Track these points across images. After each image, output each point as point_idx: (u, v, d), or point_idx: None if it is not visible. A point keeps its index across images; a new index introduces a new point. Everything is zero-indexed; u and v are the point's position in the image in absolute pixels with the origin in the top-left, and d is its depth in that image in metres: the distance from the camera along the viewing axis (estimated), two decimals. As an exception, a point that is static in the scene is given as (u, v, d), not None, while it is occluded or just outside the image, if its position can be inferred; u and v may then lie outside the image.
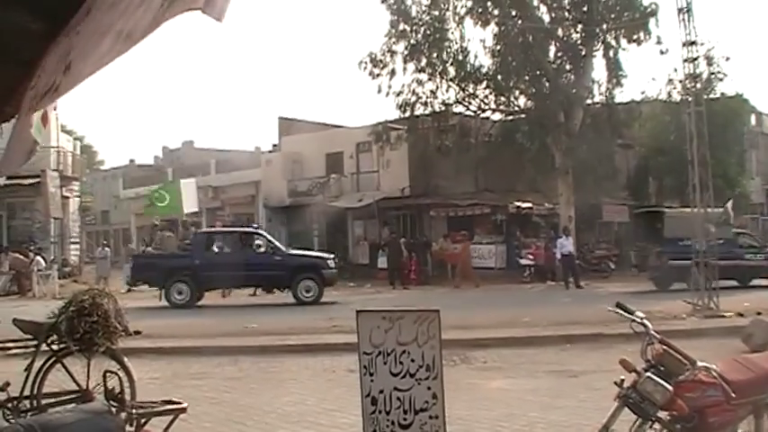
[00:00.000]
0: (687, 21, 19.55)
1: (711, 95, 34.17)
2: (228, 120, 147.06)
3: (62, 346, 8.19)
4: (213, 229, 28.18)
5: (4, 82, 5.43)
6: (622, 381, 5.24)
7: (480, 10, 34.13)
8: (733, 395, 5.03)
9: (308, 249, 40.97)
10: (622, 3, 33.38)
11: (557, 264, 31.32)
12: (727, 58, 36.86)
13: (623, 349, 13.73)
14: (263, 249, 26.03)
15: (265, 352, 14.63)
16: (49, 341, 8.23)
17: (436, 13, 35.15)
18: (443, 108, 36.15)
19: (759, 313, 16.08)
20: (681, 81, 37.67)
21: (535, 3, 34.34)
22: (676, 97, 38.59)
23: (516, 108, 36.17)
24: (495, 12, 34.07)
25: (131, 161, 73.08)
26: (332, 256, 26.82)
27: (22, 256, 32.86)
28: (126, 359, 8.52)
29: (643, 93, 38.20)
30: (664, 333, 15.31)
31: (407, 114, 36.01)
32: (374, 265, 35.78)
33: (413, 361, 5.24)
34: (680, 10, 19.53)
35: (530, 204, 36.28)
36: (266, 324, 18.32)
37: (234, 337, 16.52)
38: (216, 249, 26.57)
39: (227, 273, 24.09)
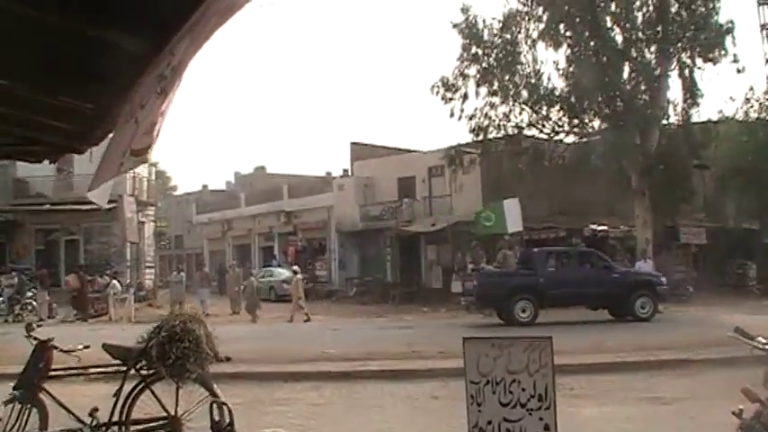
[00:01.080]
0: (770, 38, 19.25)
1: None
2: (299, 145, 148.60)
3: (152, 371, 8.22)
4: (552, 248, 28.39)
5: (101, 104, 5.56)
6: (741, 411, 5.08)
7: (553, 32, 33.93)
8: None
9: (381, 274, 41.38)
10: (697, 21, 32.88)
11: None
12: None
13: (713, 376, 13.57)
14: (601, 267, 26.05)
15: (347, 378, 14.64)
16: (138, 366, 8.24)
17: (508, 36, 35.02)
18: (516, 131, 35.97)
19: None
20: (758, 100, 37.22)
21: (608, 24, 33.99)
22: (753, 116, 37.98)
23: (590, 130, 35.82)
24: (568, 34, 33.83)
25: (204, 186, 74.13)
26: (661, 274, 26.83)
27: (78, 277, 33.29)
28: (216, 386, 8.53)
29: (720, 112, 37.59)
30: (751, 359, 14.91)
31: (480, 138, 35.87)
32: (448, 290, 35.65)
33: (523, 390, 5.17)
34: (762, 26, 19.21)
35: (605, 227, 35.86)
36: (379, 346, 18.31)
37: (312, 362, 16.54)
38: (556, 268, 26.42)
39: (568, 290, 24.51)
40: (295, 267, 34.24)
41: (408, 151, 46.97)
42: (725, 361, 14.65)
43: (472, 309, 28.06)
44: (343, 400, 12.77)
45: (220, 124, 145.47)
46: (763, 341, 5.25)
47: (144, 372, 8.21)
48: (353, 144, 48.52)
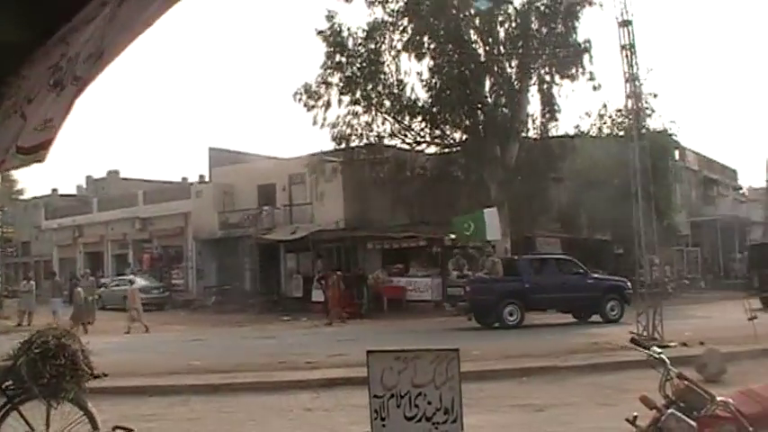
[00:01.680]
0: (630, 57, 19.91)
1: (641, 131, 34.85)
2: (155, 149, 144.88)
3: (20, 391, 7.62)
4: (535, 256, 30.46)
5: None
6: (635, 417, 5.12)
7: (416, 44, 34.23)
8: (750, 429, 4.96)
9: (240, 283, 40.78)
10: (556, 39, 33.87)
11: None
12: (655, 95, 37.69)
13: (578, 382, 13.93)
14: (577, 273, 28.17)
15: (216, 391, 14.21)
16: (4, 386, 7.65)
17: (372, 45, 35.11)
18: (378, 140, 36.12)
19: (702, 343, 16.34)
20: (611, 116, 38.58)
21: (472, 37, 34.57)
22: (606, 132, 39.36)
23: (452, 141, 36.34)
24: (432, 45, 34.22)
25: (53, 190, 71.24)
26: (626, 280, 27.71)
27: None
28: (90, 404, 8.03)
29: (576, 127, 38.75)
30: (615, 364, 15.48)
31: (342, 146, 35.84)
32: (308, 299, 35.43)
33: (429, 404, 5.06)
34: (623, 47, 19.86)
35: (465, 237, 36.37)
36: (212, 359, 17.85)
37: (179, 375, 15.99)
38: (540, 274, 27.94)
39: (550, 295, 26.37)
40: (130, 277, 33.33)
41: (269, 158, 46.41)
42: (589, 367, 15.07)
43: (462, 313, 28.80)
44: (214, 415, 12.37)
45: (71, 125, 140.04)
46: (658, 350, 5.34)
47: (11, 392, 7.61)
48: (212, 149, 47.50)
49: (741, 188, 72.15)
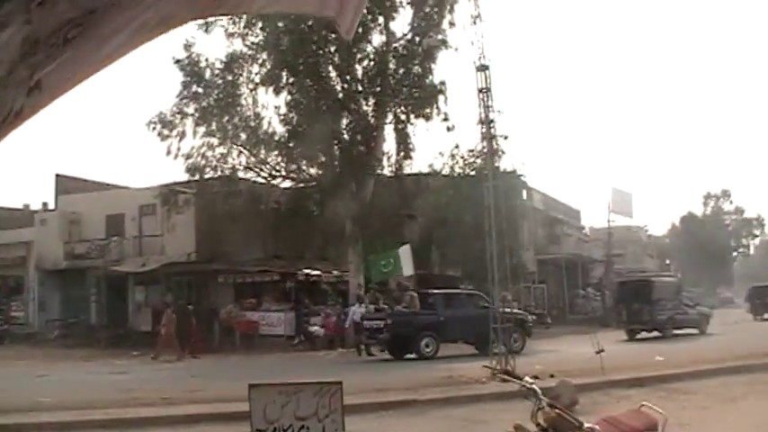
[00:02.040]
0: (486, 100, 20.41)
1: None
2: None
3: None
4: (448, 291, 31.40)
5: None
6: None
7: (275, 77, 34.20)
8: None
9: (86, 316, 39.34)
10: (413, 80, 34.49)
11: (346, 331, 31.59)
12: (506, 137, 38.81)
13: (435, 415, 14.07)
14: (484, 307, 27.59)
15: (69, 428, 13.61)
16: None
17: (230, 77, 34.88)
18: (233, 173, 35.76)
19: (552, 375, 16.86)
20: (462, 156, 39.46)
21: (331, 74, 34.76)
22: (458, 171, 40.23)
23: (307, 176, 36.37)
24: (290, 80, 34.24)
25: None
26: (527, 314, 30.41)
27: None
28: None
29: (430, 166, 39.44)
30: (472, 397, 15.73)
31: (196, 178, 35.29)
32: (157, 333, 34.46)
33: None
34: (480, 90, 20.34)
35: (319, 272, 36.32)
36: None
37: (26, 412, 15.11)
38: (451, 308, 28.74)
39: (461, 327, 27.20)
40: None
41: (119, 187, 45.13)
42: (444, 400, 15.28)
43: (376, 348, 28.96)
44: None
45: None
46: (529, 380, 5.48)
47: None
48: (59, 176, 45.82)
49: (584, 228, 75.15)
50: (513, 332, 27.18)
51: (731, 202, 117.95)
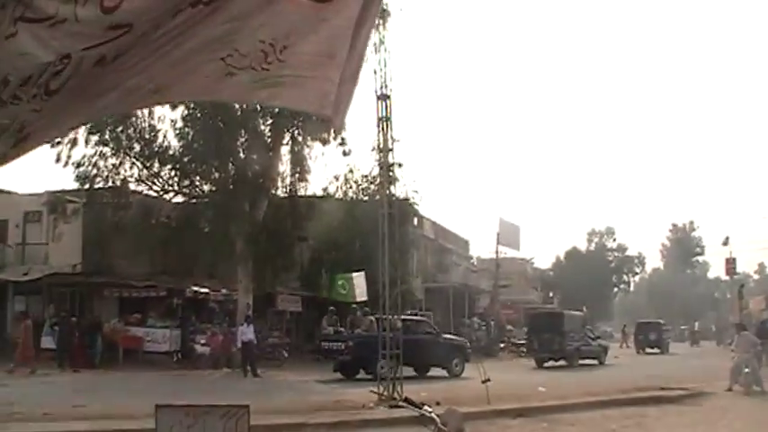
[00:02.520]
0: (386, 129, 20.66)
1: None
2: None
3: None
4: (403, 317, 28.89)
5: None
6: None
7: (171, 91, 33.82)
8: None
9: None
10: (311, 104, 34.56)
11: (233, 351, 31.40)
12: (400, 165, 39.28)
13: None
14: (433, 333, 32.13)
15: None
16: None
17: (126, 88, 34.33)
18: (123, 184, 35.16)
19: (438, 403, 17.14)
20: (356, 181, 39.76)
21: (228, 91, 34.56)
22: (351, 196, 40.52)
23: (200, 192, 36.02)
24: (187, 95, 33.90)
25: None
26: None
27: None
28: None
29: (324, 189, 39.60)
30: (360, 422, 15.91)
31: (87, 187, 34.55)
32: (36, 345, 33.43)
33: None
34: (380, 119, 20.56)
35: (207, 290, 35.99)
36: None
37: None
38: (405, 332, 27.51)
39: (412, 352, 25.78)
40: None
41: (3, 192, 43.73)
42: (335, 425, 15.39)
43: (336, 367, 29.94)
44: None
45: None
46: (429, 409, 5.70)
47: None
48: (-63, 179, 44.18)
49: (472, 258, 76.45)
50: (455, 357, 30.76)
51: (614, 240, 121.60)
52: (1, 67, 2.97)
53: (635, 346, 55.96)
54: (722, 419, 17.07)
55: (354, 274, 35.85)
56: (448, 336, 33.79)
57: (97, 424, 14.65)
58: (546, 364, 37.79)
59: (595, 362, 39.36)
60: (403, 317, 33.09)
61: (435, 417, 5.70)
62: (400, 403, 5.56)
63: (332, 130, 34.56)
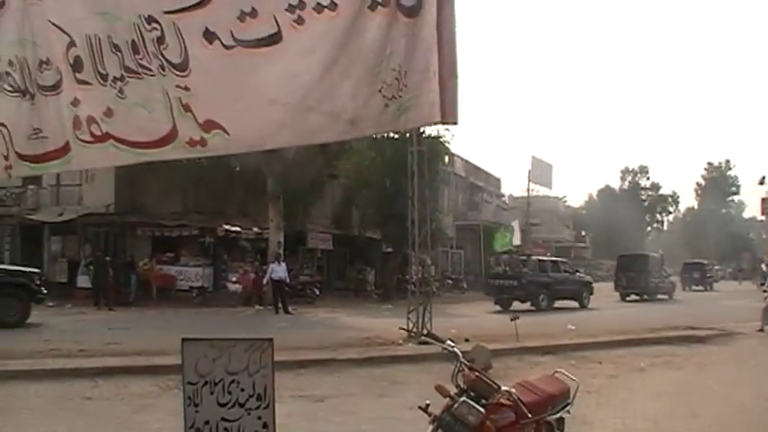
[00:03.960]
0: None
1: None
2: None
3: None
4: (553, 259, 40.93)
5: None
6: (427, 405, 5.46)
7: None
8: (529, 415, 5.47)
9: (-2, 264, 38.38)
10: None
11: (264, 289, 31.67)
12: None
13: (355, 374, 14.29)
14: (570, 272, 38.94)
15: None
16: None
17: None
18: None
19: (467, 339, 17.28)
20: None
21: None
22: (383, 133, 40.39)
23: (231, 130, 35.94)
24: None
25: None
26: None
27: None
28: None
29: (355, 126, 39.44)
30: (390, 358, 15.98)
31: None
32: (73, 284, 33.93)
33: (242, 390, 5.21)
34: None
35: (238, 228, 36.13)
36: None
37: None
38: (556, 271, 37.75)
39: (561, 288, 36.51)
40: None
41: (36, 134, 44.06)
42: (364, 360, 15.52)
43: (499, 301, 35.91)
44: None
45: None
46: (451, 344, 5.73)
47: None
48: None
49: (503, 196, 76.15)
50: (584, 291, 37.55)
51: (648, 178, 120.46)
52: None
53: (681, 284, 57.02)
54: (751, 359, 17.04)
55: (513, 223, 42.64)
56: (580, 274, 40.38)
57: (130, 359, 14.86)
58: (628, 299, 44.50)
59: (666, 296, 46.21)
60: (554, 259, 41.37)
61: (458, 352, 5.73)
62: (423, 339, 5.65)
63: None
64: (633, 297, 44.41)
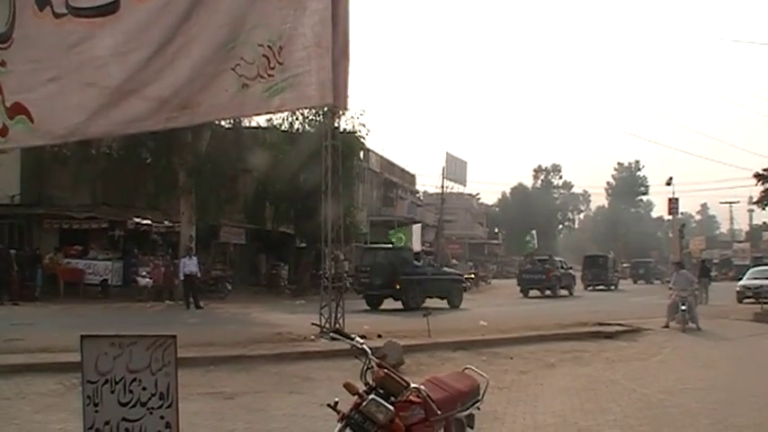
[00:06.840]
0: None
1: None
2: None
3: None
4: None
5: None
6: (336, 403, 5.37)
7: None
8: (439, 412, 5.43)
9: None
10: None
11: (175, 283, 31.23)
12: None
13: (265, 370, 14.12)
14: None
15: None
16: None
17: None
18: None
19: (380, 335, 17.26)
20: (302, 113, 39.37)
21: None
22: (297, 128, 40.16)
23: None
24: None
25: None
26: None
27: None
28: None
29: (269, 120, 39.22)
30: (301, 354, 15.82)
31: (24, 115, 33.62)
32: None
33: (144, 389, 5.07)
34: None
35: (149, 221, 35.48)
36: None
37: None
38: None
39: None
40: None
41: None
42: (274, 356, 15.36)
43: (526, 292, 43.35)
44: None
45: None
46: (360, 340, 5.64)
47: None
48: None
49: (418, 192, 76.62)
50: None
51: (561, 177, 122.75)
52: None
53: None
54: (657, 355, 17.43)
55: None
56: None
57: (33, 357, 14.40)
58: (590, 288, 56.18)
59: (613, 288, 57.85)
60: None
61: (367, 348, 5.65)
62: (332, 335, 5.53)
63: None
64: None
